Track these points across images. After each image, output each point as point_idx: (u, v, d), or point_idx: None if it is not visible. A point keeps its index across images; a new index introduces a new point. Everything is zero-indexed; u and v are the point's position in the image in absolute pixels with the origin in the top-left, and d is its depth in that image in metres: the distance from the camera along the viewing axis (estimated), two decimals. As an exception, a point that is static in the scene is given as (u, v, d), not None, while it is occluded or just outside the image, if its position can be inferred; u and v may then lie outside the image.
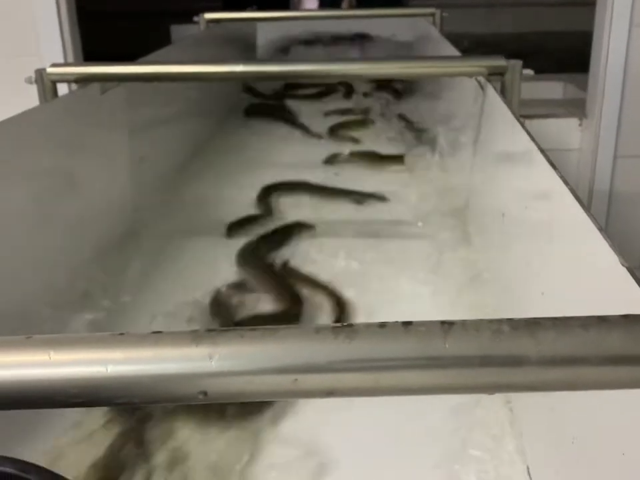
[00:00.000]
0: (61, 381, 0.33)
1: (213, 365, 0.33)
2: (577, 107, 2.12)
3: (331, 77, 1.39)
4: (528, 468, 0.70)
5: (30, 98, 1.15)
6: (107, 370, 0.33)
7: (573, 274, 0.64)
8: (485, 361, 0.33)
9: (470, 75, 1.19)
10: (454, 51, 1.61)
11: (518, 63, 1.12)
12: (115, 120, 1.25)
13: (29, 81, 1.19)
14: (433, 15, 2.37)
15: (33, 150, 0.95)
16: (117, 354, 0.33)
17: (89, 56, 2.11)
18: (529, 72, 1.14)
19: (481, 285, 1.00)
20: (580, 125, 2.09)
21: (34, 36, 1.98)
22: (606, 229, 0.57)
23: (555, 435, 0.65)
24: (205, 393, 0.33)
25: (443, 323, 0.34)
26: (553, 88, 2.57)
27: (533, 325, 0.33)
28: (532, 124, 1.89)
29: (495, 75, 1.13)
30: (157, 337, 0.34)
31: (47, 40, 1.99)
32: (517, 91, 1.11)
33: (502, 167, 1.01)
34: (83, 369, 0.33)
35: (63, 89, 1.25)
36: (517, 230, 0.87)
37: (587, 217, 0.60)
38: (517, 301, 0.84)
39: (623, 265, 0.50)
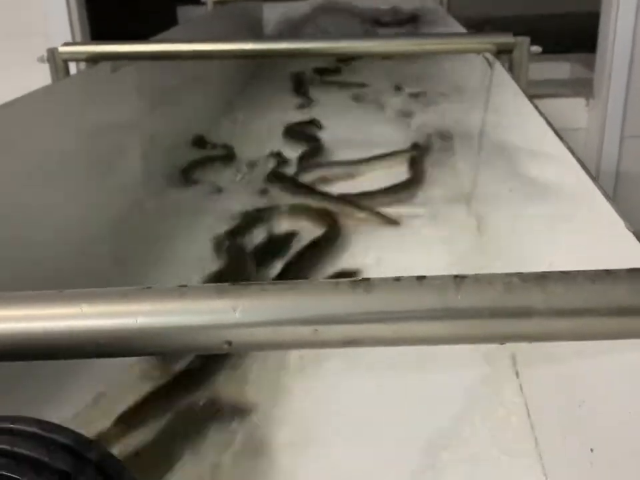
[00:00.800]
0: (93, 332, 0.35)
1: (237, 317, 0.35)
2: (584, 87, 2.13)
3: (339, 54, 1.40)
4: (535, 438, 0.72)
5: (39, 77, 1.17)
6: (136, 321, 0.35)
7: (581, 243, 0.65)
8: (496, 312, 0.34)
9: (478, 51, 1.20)
10: (462, 30, 1.62)
11: (526, 39, 1.13)
12: (126, 98, 1.27)
13: (40, 60, 1.20)
14: (440, -7, 2.37)
15: (44, 128, 0.96)
16: (145, 306, 0.35)
17: (95, 38, 2.12)
18: (536, 49, 1.14)
19: (488, 258, 1.02)
20: (587, 105, 2.09)
21: (41, 16, 2.00)
22: (612, 209, 0.58)
23: (562, 400, 0.66)
24: (230, 343, 0.35)
25: (456, 276, 0.35)
26: (560, 68, 2.57)
27: (542, 278, 0.35)
28: (539, 103, 1.89)
29: (503, 52, 1.14)
30: (183, 290, 0.36)
31: (54, 20, 2.00)
32: (524, 67, 1.12)
33: (510, 141, 1.02)
34: (114, 320, 0.35)
35: (72, 69, 1.26)
36: (524, 203, 0.89)
37: (594, 185, 0.62)
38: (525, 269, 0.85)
39: (629, 230, 0.52)
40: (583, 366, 0.60)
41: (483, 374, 0.80)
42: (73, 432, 0.39)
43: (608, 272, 0.35)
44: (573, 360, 0.62)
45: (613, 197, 1.81)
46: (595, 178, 0.63)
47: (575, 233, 0.67)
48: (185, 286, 0.36)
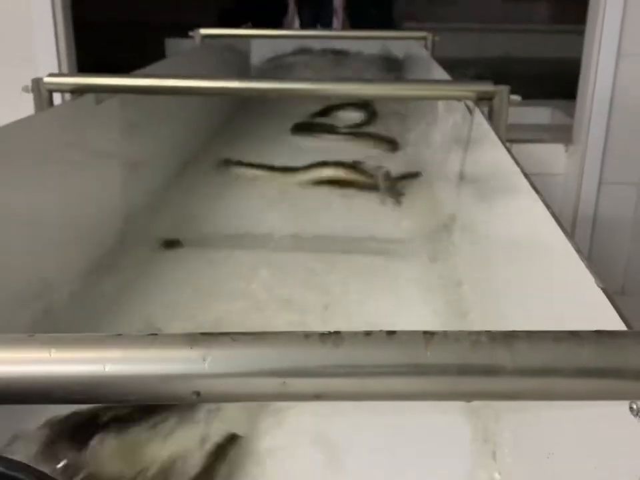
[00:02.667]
0: (61, 378, 0.35)
1: (206, 367, 0.35)
2: (563, 133, 2.17)
3: (323, 95, 1.42)
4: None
5: (25, 105, 1.17)
6: (104, 369, 0.35)
7: (552, 295, 0.66)
8: (464, 370, 0.35)
9: (459, 98, 1.22)
10: (444, 75, 1.64)
11: (505, 88, 1.15)
12: (110, 130, 1.27)
13: (25, 90, 1.20)
14: (425, 38, 2.41)
15: (28, 158, 0.96)
16: (114, 353, 0.35)
17: (83, 69, 2.13)
18: (516, 97, 1.17)
19: (461, 305, 1.02)
20: (566, 150, 2.13)
21: (30, 45, 2.01)
22: (589, 254, 0.59)
23: (530, 451, 0.67)
24: (198, 394, 0.35)
25: (425, 332, 0.36)
26: (540, 113, 2.62)
27: (510, 337, 0.36)
28: (519, 148, 1.93)
29: (483, 99, 1.17)
30: (153, 338, 0.36)
31: (42, 49, 2.01)
32: (504, 115, 1.14)
33: (487, 189, 1.04)
34: (82, 367, 0.35)
35: (57, 99, 1.27)
36: (499, 251, 0.90)
37: (566, 239, 0.63)
38: (496, 321, 0.86)
39: (598, 286, 0.53)
40: (552, 417, 0.60)
41: (452, 420, 0.80)
42: (38, 471, 0.39)
43: (573, 333, 0.36)
44: (541, 411, 0.62)
45: (590, 242, 1.81)
46: (568, 232, 0.64)
47: (546, 285, 0.68)
48: (156, 334, 0.36)
